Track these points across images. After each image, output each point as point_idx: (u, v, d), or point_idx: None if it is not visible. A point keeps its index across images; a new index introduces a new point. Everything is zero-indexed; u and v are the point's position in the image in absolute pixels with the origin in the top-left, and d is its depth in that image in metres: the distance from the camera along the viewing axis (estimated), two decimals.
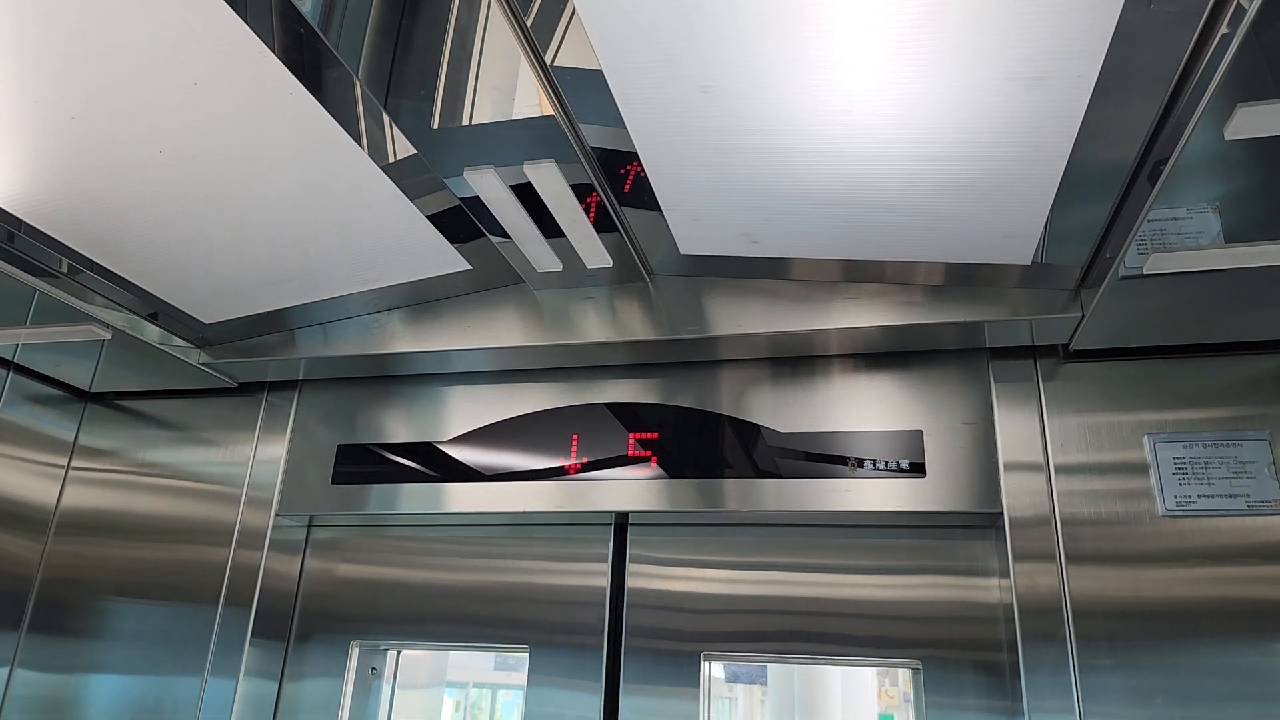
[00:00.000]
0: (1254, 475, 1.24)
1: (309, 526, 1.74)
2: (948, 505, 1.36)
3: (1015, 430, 1.37)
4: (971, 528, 1.44)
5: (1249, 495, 1.24)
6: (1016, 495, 1.33)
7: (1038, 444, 1.36)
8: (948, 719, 1.35)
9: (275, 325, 1.59)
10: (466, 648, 1.62)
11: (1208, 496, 1.25)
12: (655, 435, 1.52)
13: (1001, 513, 1.33)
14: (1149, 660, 1.22)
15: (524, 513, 1.54)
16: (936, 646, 1.39)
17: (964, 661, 1.37)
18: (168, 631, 1.63)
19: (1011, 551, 1.31)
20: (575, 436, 1.56)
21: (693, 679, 1.47)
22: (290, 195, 1.19)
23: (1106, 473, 1.32)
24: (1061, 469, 1.34)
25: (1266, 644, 1.19)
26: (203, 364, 1.62)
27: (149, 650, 1.63)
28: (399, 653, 1.72)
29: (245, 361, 1.62)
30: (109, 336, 1.43)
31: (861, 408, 1.46)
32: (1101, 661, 1.23)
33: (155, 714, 1.58)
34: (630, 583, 1.55)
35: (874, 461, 1.41)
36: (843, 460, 1.42)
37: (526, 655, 1.55)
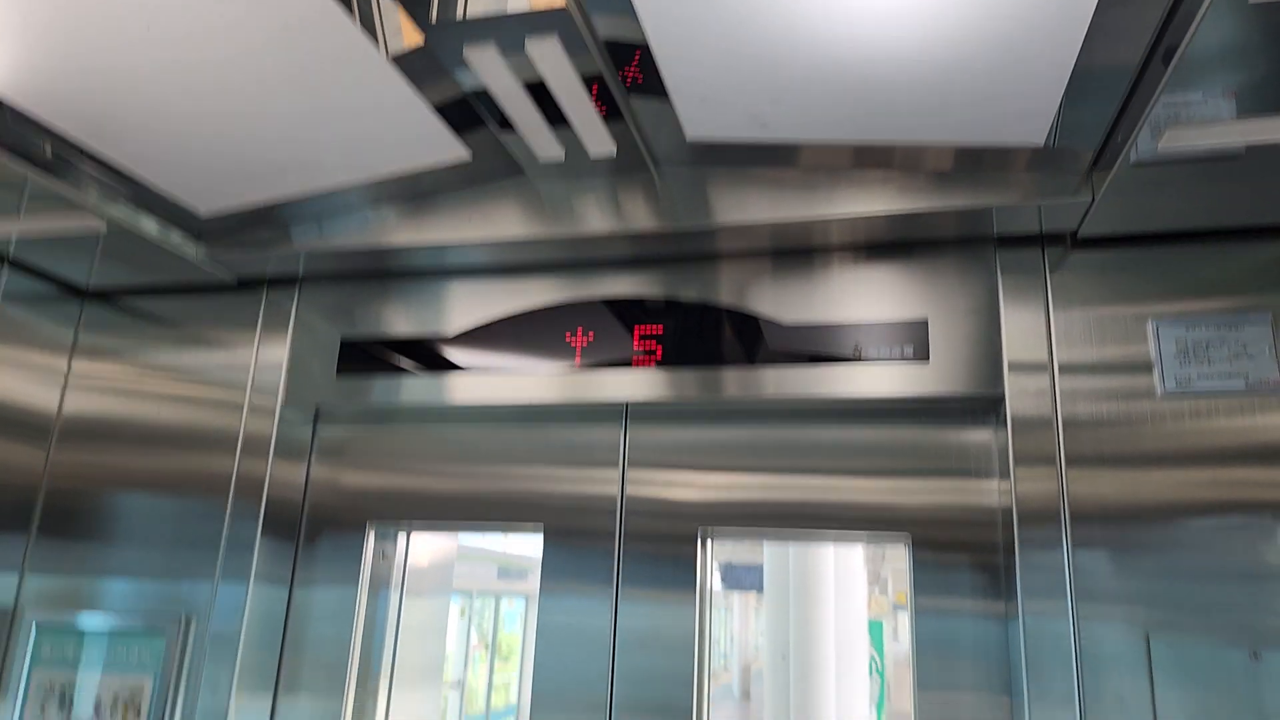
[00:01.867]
0: (1254, 356, 1.26)
1: (315, 423, 1.76)
2: (950, 389, 1.38)
3: (1020, 324, 1.37)
4: (973, 414, 1.46)
5: (1248, 375, 1.25)
6: (1020, 396, 1.34)
7: (1042, 339, 1.36)
8: (938, 622, 1.39)
9: (271, 219, 1.57)
10: (480, 527, 1.67)
11: (1207, 377, 1.27)
12: (660, 328, 1.52)
13: (1003, 397, 1.35)
14: (1143, 563, 1.24)
15: (530, 405, 1.56)
16: (931, 549, 1.42)
17: (959, 564, 1.40)
18: (177, 535, 1.65)
19: (1013, 453, 1.32)
20: (580, 330, 1.56)
21: (690, 556, 1.52)
22: (285, 77, 1.15)
23: (1110, 371, 1.32)
24: (1065, 367, 1.34)
25: (1262, 534, 1.22)
26: (201, 259, 1.60)
27: (159, 556, 1.65)
28: (409, 535, 1.76)
29: (243, 255, 1.60)
30: (103, 229, 1.40)
31: (866, 299, 1.46)
32: (1096, 560, 1.25)
33: (169, 618, 1.61)
34: (630, 471, 1.59)
35: (878, 349, 1.42)
36: (847, 349, 1.43)
37: (539, 552, 1.60)
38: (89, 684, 1.65)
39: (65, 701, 1.67)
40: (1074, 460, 1.29)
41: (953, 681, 1.36)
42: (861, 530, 1.47)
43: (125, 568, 1.67)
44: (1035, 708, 1.23)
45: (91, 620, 1.67)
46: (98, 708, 1.64)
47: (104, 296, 1.85)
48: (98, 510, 1.72)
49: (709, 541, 1.57)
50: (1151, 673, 1.21)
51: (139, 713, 1.62)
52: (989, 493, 1.42)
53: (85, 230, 1.41)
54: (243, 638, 1.57)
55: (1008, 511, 1.34)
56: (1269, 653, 1.18)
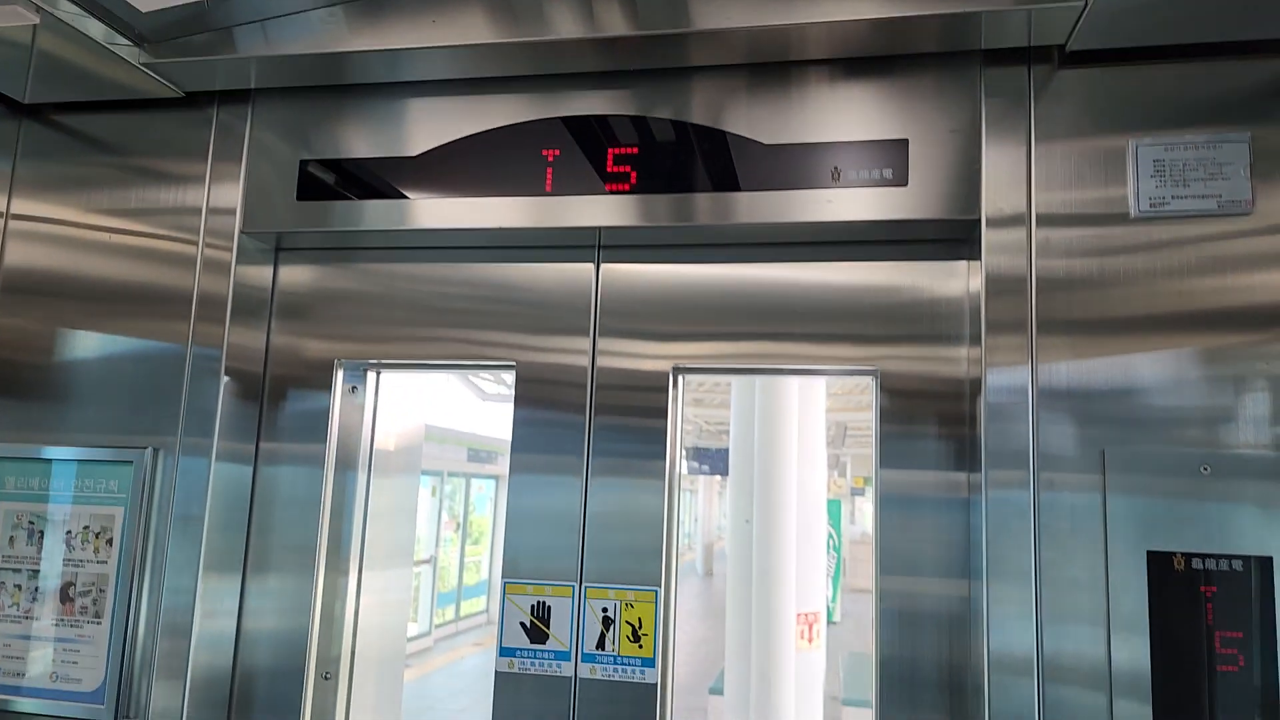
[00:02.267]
0: (1229, 177, 1.25)
1: (276, 259, 1.70)
2: (928, 213, 1.36)
3: (1001, 161, 1.34)
4: (948, 247, 1.45)
5: (1221, 196, 1.25)
6: (996, 251, 1.32)
7: (1022, 181, 1.32)
8: (903, 505, 1.41)
9: (213, 20, 1.46)
10: (451, 366, 1.66)
11: (1181, 198, 1.26)
12: (635, 150, 1.47)
13: (978, 222, 1.34)
14: (1104, 418, 1.26)
15: (499, 229, 1.51)
16: (899, 420, 1.44)
17: (925, 434, 1.42)
18: (135, 388, 1.61)
19: (985, 316, 1.31)
20: (550, 152, 1.50)
21: (660, 401, 1.53)
22: None
23: (1086, 222, 1.30)
24: (1044, 218, 1.31)
25: (1220, 383, 1.23)
26: (144, 64, 1.50)
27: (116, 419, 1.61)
28: (379, 375, 1.75)
29: (190, 61, 1.50)
30: (36, 20, 1.30)
31: (846, 117, 1.41)
32: (1060, 426, 1.27)
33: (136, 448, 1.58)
34: (603, 306, 1.57)
35: (857, 172, 1.39)
36: (825, 170, 1.40)
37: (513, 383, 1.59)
38: (58, 516, 1.65)
39: (34, 534, 1.66)
40: (1045, 325, 1.29)
41: (914, 539, 1.40)
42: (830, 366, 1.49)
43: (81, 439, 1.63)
44: (993, 579, 1.26)
45: (56, 452, 1.65)
46: (69, 539, 1.64)
47: (44, 115, 1.73)
48: (54, 365, 1.66)
49: (680, 380, 1.58)
50: (1105, 490, 1.24)
51: (111, 542, 1.63)
52: (959, 360, 1.43)
53: (16, 21, 1.31)
54: (210, 484, 1.56)
55: (976, 382, 1.35)
56: (1218, 469, 1.22)
